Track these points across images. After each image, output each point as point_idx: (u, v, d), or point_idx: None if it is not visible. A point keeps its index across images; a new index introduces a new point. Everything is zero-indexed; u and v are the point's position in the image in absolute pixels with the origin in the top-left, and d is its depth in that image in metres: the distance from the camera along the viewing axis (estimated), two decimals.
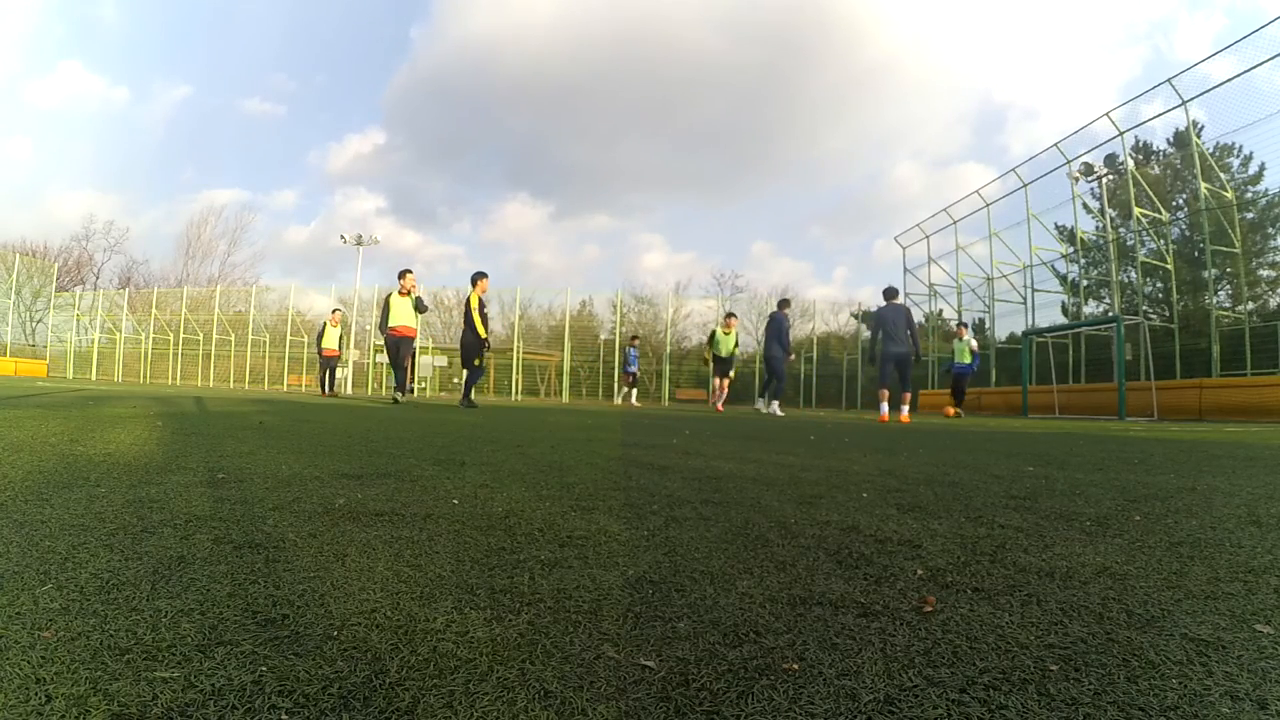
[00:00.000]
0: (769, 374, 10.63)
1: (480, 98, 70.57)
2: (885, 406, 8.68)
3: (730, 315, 11.88)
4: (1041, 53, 64.43)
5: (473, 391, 8.50)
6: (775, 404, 10.05)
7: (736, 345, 11.59)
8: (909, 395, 8.62)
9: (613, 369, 24.79)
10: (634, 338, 18.29)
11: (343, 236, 25.36)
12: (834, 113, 68.07)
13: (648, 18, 65.03)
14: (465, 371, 8.51)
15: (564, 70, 67.04)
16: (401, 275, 9.01)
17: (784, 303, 10.93)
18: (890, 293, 8.91)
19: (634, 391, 16.88)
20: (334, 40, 74.34)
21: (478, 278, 8.41)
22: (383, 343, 12.13)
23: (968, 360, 11.64)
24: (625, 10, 68.02)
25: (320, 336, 12.72)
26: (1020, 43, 64.99)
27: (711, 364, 11.64)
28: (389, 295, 9.07)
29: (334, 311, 13.13)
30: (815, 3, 64.54)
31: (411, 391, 25.06)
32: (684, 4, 66.13)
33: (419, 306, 9.05)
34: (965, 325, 12.41)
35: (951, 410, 11.30)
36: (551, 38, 66.76)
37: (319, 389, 13.36)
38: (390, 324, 8.91)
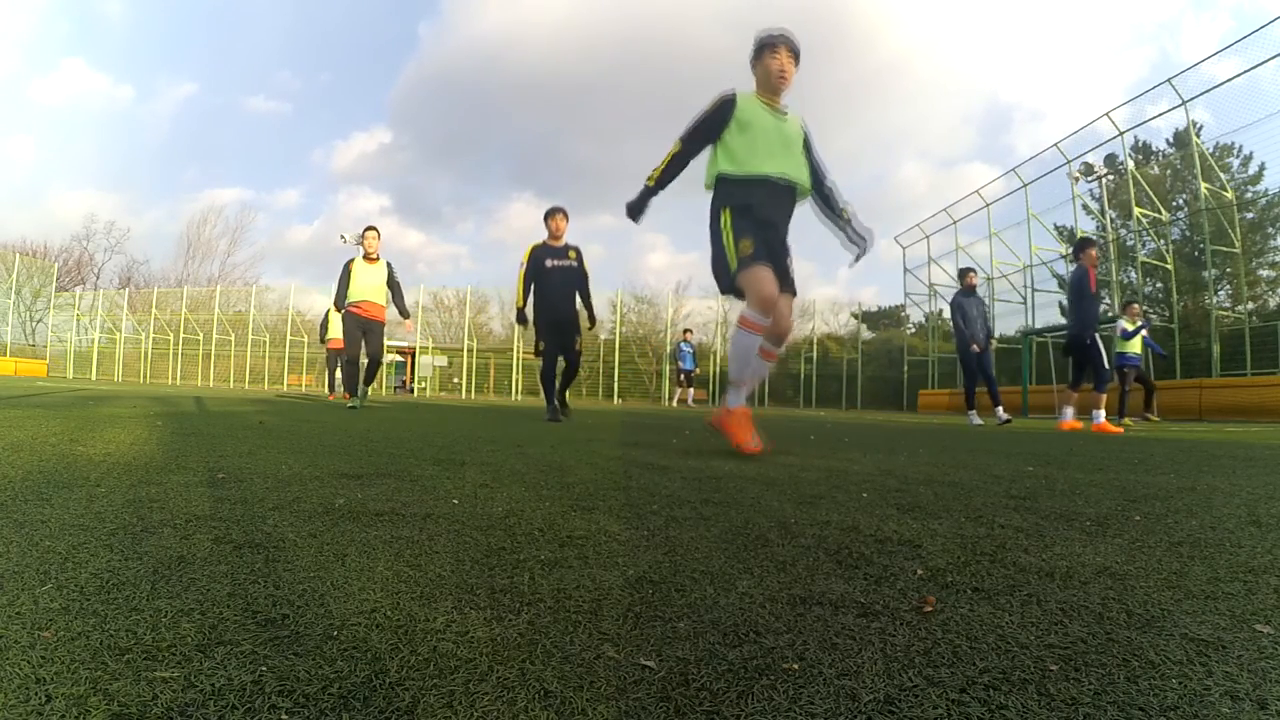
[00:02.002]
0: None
1: (487, 95, 70.21)
2: (1101, 414, 6.32)
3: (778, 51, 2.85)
4: (1048, 54, 64.42)
5: (556, 395, 5.63)
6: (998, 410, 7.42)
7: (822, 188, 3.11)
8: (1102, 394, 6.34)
9: (613, 369, 24.76)
10: (686, 331, 16.43)
11: (343, 236, 25.16)
12: (841, 113, 67.74)
13: (658, 16, 64.83)
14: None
15: (572, 68, 66.79)
16: (363, 235, 6.63)
17: (1085, 242, 6.70)
18: (1083, 244, 6.40)
19: (691, 391, 15.66)
20: (340, 37, 74.02)
21: (547, 216, 5.63)
22: (340, 325, 7.26)
23: (1138, 350, 8.66)
24: (635, 8, 67.91)
25: (324, 326, 10.76)
26: (1027, 44, 64.97)
27: (735, 261, 2.75)
28: (348, 262, 6.59)
29: None
30: (826, 3, 64.47)
31: (411, 391, 24.97)
32: (694, 3, 66.09)
33: (392, 282, 6.65)
34: (1134, 303, 9.40)
35: (1128, 421, 8.13)
36: (560, 35, 66.55)
37: (326, 390, 11.46)
38: (351, 298, 6.46)
